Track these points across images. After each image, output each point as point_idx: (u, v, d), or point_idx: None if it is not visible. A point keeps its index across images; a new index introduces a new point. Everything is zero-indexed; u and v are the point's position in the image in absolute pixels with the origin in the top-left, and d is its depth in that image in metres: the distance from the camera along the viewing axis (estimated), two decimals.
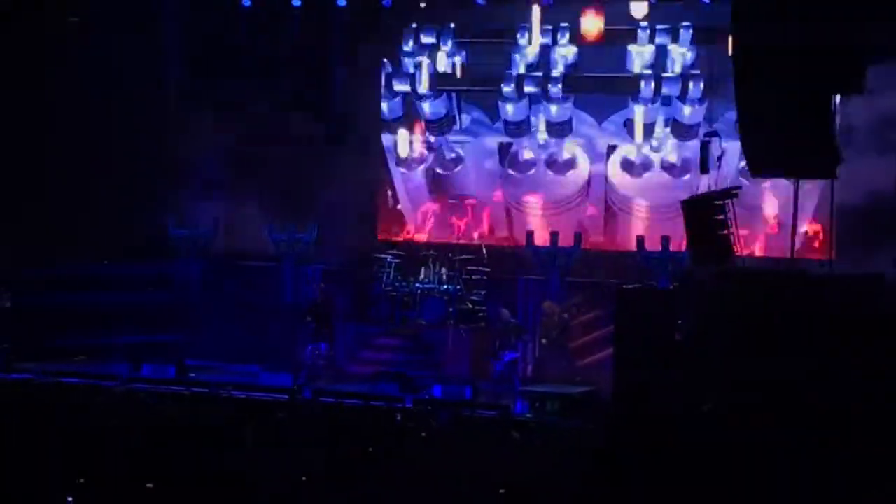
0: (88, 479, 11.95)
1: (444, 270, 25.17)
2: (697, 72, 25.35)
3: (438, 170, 27.27)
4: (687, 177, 24.79)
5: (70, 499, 11.41)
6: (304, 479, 12.48)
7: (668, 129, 25.74)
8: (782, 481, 13.53)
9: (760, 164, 18.10)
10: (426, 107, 27.04)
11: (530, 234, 25.21)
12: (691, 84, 25.24)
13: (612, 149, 26.30)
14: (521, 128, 26.68)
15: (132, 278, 25.15)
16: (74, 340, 24.25)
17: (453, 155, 27.19)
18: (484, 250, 25.60)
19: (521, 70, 26.25)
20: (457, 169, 27.20)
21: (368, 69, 26.85)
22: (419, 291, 25.09)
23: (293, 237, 25.71)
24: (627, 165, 26.19)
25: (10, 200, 25.01)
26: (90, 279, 24.76)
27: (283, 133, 25.65)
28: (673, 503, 11.97)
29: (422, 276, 25.27)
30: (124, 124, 25.83)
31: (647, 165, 26.03)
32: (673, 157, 25.83)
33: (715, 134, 19.53)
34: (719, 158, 19.04)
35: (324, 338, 24.19)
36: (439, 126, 27.17)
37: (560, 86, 26.00)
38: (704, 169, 19.04)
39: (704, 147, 19.19)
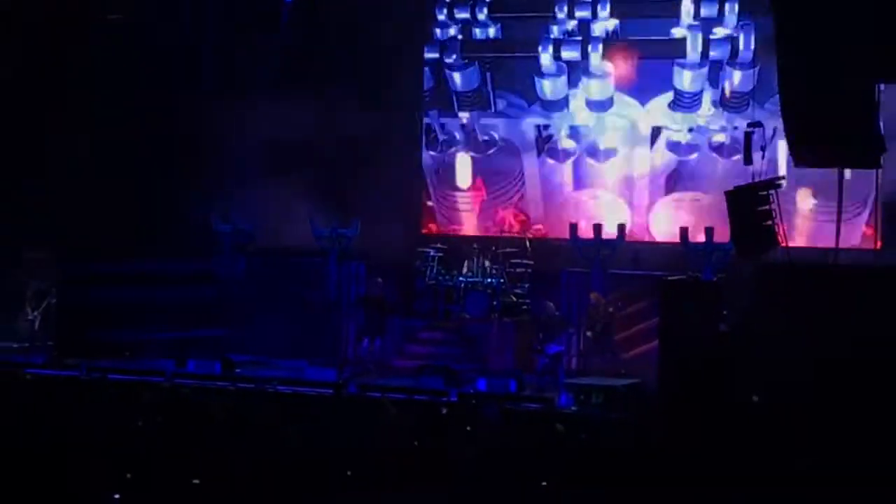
0: (134, 475, 11.99)
1: (487, 264, 25.16)
2: (745, 29, 24.89)
3: (472, 153, 27.23)
4: (737, 157, 24.34)
5: (117, 496, 11.44)
6: (348, 473, 12.48)
7: (718, 109, 25.49)
8: (831, 472, 13.44)
9: (804, 153, 18.00)
10: (457, 77, 26.94)
11: (574, 227, 25.11)
12: (741, 44, 24.89)
13: (656, 132, 26.14)
14: (559, 107, 26.48)
15: (177, 274, 25.22)
16: (120, 336, 24.36)
17: (486, 138, 27.12)
18: (527, 243, 25.58)
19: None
20: (490, 152, 27.13)
21: (401, 46, 26.90)
22: (463, 285, 25.08)
23: (336, 232, 25.73)
24: (674, 147, 25.98)
25: (56, 197, 25.18)
26: (135, 275, 24.85)
27: (327, 126, 25.70)
28: (720, 497, 11.91)
29: (465, 270, 25.26)
30: (167, 120, 25.94)
31: (694, 147, 25.85)
32: (721, 137, 25.61)
33: (759, 124, 19.44)
34: (763, 149, 18.95)
35: (378, 332, 24.24)
36: (470, 101, 27.03)
37: (601, 49, 25.73)
38: (748, 160, 18.96)
39: (748, 137, 19.11)
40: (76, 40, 26.05)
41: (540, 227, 26.62)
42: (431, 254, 25.58)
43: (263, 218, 26.30)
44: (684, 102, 25.78)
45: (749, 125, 19.54)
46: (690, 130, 25.82)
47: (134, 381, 21.03)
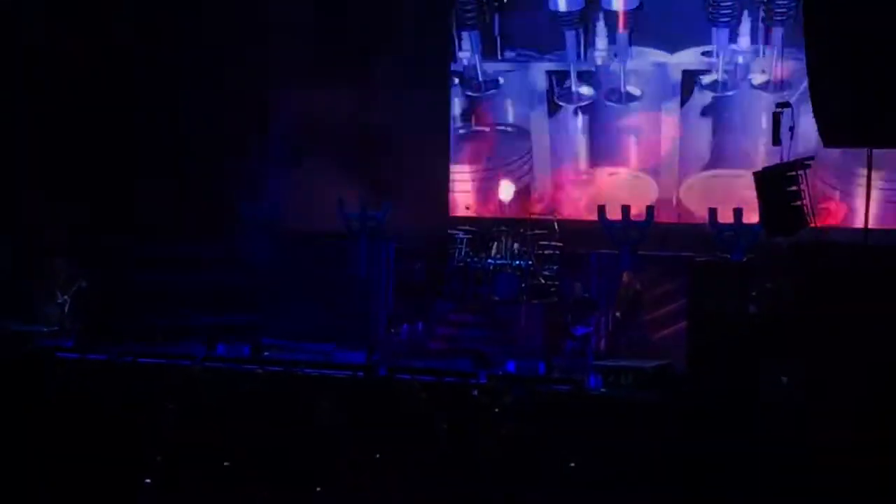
0: (165, 458, 12.05)
1: (515, 246, 25.14)
2: None
3: (468, 92, 27.19)
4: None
5: (148, 480, 11.51)
6: (377, 455, 12.53)
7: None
8: (860, 455, 13.43)
9: (834, 133, 17.94)
10: None
11: (602, 208, 25.05)
12: None
13: (686, 77, 25.76)
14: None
15: (205, 258, 25.26)
16: (149, 321, 24.42)
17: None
18: (556, 225, 25.53)
19: None
20: (490, 91, 27.05)
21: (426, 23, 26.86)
22: (491, 267, 25.07)
23: (365, 214, 25.72)
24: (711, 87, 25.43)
25: (85, 182, 25.26)
26: (164, 259, 24.91)
27: (354, 107, 25.71)
28: (748, 479, 11.91)
29: (494, 252, 25.24)
30: (200, 104, 25.99)
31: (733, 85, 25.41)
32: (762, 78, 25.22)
33: (787, 105, 19.36)
34: (791, 129, 18.87)
35: (420, 317, 24.27)
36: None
37: None
38: (776, 141, 18.88)
39: (776, 118, 19.02)
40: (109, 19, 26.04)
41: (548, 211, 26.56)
42: (460, 236, 25.57)
43: (292, 201, 26.31)
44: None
45: (778, 105, 19.45)
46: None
47: (164, 364, 21.10)
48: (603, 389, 20.42)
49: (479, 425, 14.51)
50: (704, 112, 25.64)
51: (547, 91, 26.68)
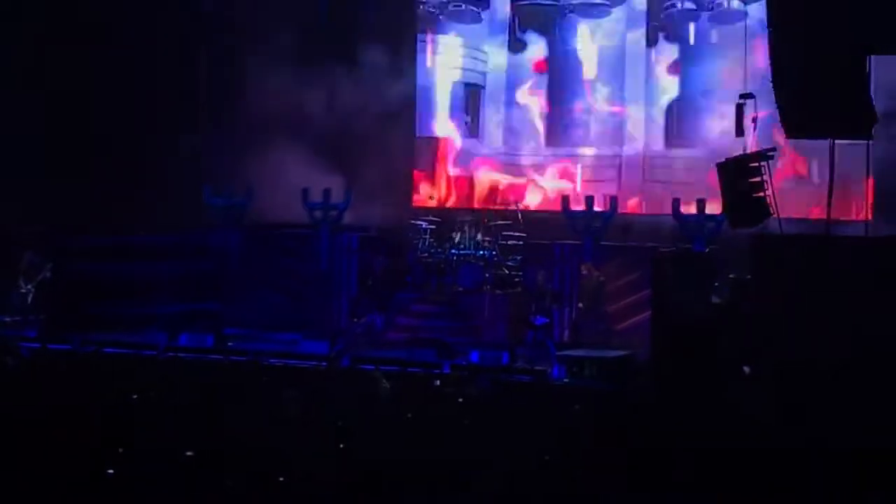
0: (128, 449, 12.01)
1: (479, 236, 25.17)
2: None
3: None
4: None
5: (111, 471, 11.46)
6: (341, 446, 12.51)
7: None
8: (823, 444, 13.49)
9: (795, 124, 18.00)
10: None
11: (566, 199, 25.10)
12: None
13: None
14: None
15: (169, 247, 25.21)
16: (112, 310, 24.34)
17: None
18: (520, 216, 25.60)
19: None
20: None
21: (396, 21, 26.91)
22: (455, 257, 25.10)
23: (327, 204, 25.70)
24: None
25: (48, 169, 25.13)
26: (127, 248, 24.85)
27: (319, 98, 25.69)
28: (710, 469, 11.95)
29: (457, 242, 25.28)
30: (163, 92, 25.88)
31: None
32: None
33: (750, 96, 19.42)
34: (754, 121, 18.94)
35: (383, 307, 24.24)
36: None
37: None
38: (739, 132, 18.94)
39: (739, 109, 19.08)
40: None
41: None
42: (423, 226, 25.59)
43: (256, 190, 26.28)
44: None
45: (741, 96, 19.52)
46: None
47: (127, 354, 21.03)
48: (566, 379, 20.49)
49: (444, 415, 14.52)
50: None
51: None
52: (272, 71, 25.60)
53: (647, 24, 26.92)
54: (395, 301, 24.79)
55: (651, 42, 27.65)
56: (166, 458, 11.94)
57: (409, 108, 27.44)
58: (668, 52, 27.33)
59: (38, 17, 25.50)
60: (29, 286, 25.01)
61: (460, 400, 15.63)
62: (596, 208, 24.62)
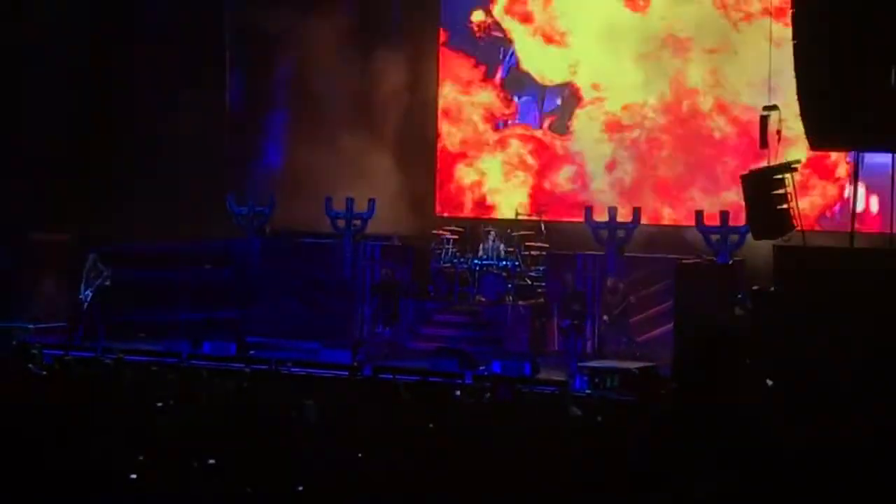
0: (150, 456, 12.02)
1: (502, 246, 25.13)
2: None
3: None
4: None
5: (133, 476, 11.48)
6: (359, 455, 12.49)
7: None
8: (847, 459, 13.41)
9: (821, 136, 17.95)
10: None
11: (588, 210, 25.02)
12: None
13: None
14: None
15: (193, 255, 25.23)
16: (135, 317, 24.38)
17: None
18: (542, 226, 25.53)
19: None
20: None
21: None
22: (478, 268, 25.07)
23: (350, 213, 25.71)
24: None
25: (73, 179, 25.25)
26: (151, 256, 24.89)
27: (338, 107, 25.76)
28: (737, 482, 11.89)
29: (480, 253, 25.24)
30: (182, 102, 25.96)
31: None
32: None
33: (774, 108, 19.35)
34: (778, 132, 18.87)
35: (391, 319, 24.18)
36: None
37: None
38: (763, 143, 18.87)
39: (764, 121, 19.02)
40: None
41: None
42: (446, 237, 25.57)
43: (279, 199, 26.30)
44: None
45: (765, 108, 19.45)
46: None
47: (149, 362, 21.04)
48: (588, 391, 20.44)
49: (465, 425, 14.48)
50: None
51: None
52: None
53: None
54: (419, 310, 24.78)
55: None
56: (188, 465, 11.96)
57: (432, 112, 27.39)
58: None
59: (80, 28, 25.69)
60: (87, 291, 24.66)
61: (482, 410, 15.60)
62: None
